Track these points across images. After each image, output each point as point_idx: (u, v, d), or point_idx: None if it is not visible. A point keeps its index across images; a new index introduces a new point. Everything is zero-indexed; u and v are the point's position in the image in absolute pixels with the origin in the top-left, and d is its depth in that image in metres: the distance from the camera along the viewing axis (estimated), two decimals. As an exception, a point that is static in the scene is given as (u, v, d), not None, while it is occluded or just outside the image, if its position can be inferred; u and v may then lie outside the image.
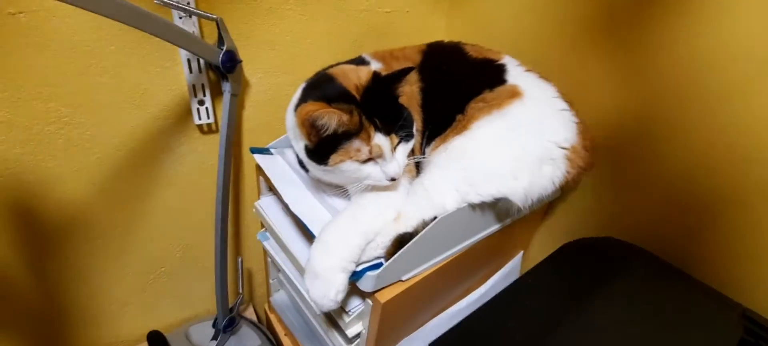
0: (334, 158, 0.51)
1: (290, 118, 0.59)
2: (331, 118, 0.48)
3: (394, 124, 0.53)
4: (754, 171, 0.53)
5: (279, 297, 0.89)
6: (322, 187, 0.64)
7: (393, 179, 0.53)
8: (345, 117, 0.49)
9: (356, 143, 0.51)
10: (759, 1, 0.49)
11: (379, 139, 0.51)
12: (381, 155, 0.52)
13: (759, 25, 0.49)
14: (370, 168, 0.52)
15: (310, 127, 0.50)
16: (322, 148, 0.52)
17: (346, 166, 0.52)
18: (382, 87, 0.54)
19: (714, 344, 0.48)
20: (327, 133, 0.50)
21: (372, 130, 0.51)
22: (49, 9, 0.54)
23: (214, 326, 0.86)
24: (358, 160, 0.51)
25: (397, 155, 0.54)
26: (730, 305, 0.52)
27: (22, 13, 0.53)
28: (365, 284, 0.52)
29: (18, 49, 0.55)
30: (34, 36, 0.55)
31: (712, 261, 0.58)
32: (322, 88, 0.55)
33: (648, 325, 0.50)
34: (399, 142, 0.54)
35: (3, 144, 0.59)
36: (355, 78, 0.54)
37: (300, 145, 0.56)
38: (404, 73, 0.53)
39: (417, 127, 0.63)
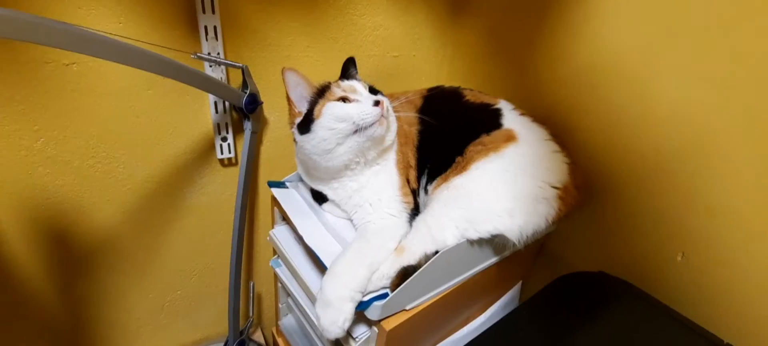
0: (317, 110, 0.59)
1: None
2: (295, 72, 0.61)
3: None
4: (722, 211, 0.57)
5: (287, 321, 0.92)
6: (329, 210, 0.70)
7: (378, 103, 0.59)
8: (302, 73, 0.62)
9: (329, 90, 0.61)
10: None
11: (349, 82, 0.63)
12: (355, 92, 0.61)
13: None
14: (353, 106, 0.59)
15: (288, 95, 0.62)
16: (307, 115, 0.61)
17: (330, 110, 0.58)
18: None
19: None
20: (301, 95, 0.62)
21: (340, 80, 0.64)
22: (98, 61, 0.61)
23: (224, 348, 0.90)
24: (337, 100, 0.59)
25: (376, 96, 0.62)
26: (713, 341, 0.56)
27: (75, 63, 0.61)
28: (372, 313, 0.56)
29: (68, 94, 0.62)
30: (83, 83, 0.62)
31: (695, 295, 0.62)
32: None
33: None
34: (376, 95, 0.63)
35: (47, 176, 0.66)
36: None
37: (299, 138, 0.62)
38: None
39: (411, 163, 0.68)
